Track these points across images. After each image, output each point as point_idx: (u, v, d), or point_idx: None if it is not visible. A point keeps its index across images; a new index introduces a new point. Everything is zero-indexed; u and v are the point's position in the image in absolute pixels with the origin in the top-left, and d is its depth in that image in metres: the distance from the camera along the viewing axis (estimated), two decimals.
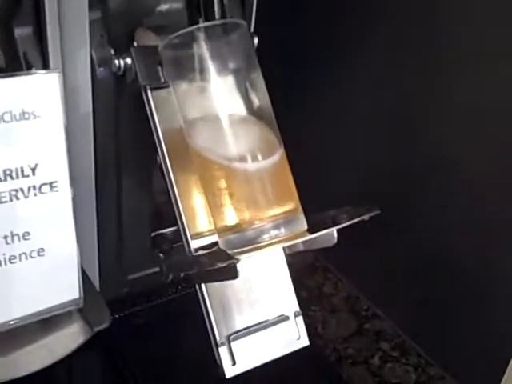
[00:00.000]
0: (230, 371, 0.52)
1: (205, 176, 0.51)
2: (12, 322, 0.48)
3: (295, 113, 0.76)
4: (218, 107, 0.50)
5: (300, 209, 0.51)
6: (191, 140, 0.51)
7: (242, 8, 0.61)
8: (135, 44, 0.54)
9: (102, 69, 0.55)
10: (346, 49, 0.70)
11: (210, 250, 0.51)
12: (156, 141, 0.53)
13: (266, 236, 0.49)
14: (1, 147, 0.45)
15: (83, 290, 0.51)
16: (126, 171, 0.61)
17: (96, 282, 0.65)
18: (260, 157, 0.49)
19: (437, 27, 0.61)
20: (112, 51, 0.54)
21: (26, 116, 0.46)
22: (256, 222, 0.49)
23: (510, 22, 0.56)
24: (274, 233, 0.49)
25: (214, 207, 0.50)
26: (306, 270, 0.77)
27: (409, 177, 0.67)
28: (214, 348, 0.52)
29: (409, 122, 0.66)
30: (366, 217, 0.50)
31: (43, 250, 0.49)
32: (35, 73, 0.47)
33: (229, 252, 0.47)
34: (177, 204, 0.53)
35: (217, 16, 0.51)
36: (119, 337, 0.64)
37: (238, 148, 0.49)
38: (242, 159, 0.49)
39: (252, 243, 0.49)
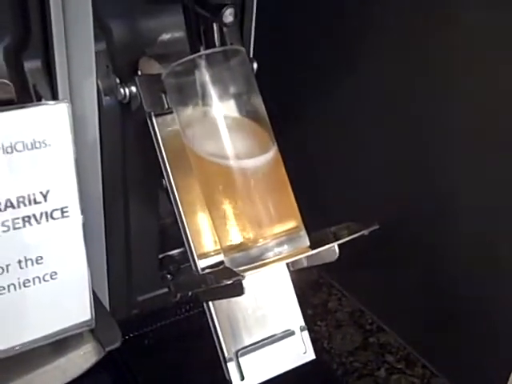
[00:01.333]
0: None
1: (203, 179, 0.53)
2: (26, 345, 0.50)
3: (295, 131, 0.78)
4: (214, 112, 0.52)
5: (302, 226, 0.53)
6: (188, 141, 0.53)
7: (241, 35, 0.63)
8: (139, 73, 0.57)
9: (108, 97, 0.57)
10: (343, 72, 0.72)
11: (216, 269, 0.53)
12: (161, 165, 0.55)
13: (270, 253, 0.51)
14: (13, 175, 0.47)
15: (94, 310, 0.53)
16: (133, 195, 0.63)
17: (106, 304, 0.66)
18: (255, 154, 0.51)
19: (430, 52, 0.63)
20: (117, 80, 0.56)
21: (37, 145, 0.48)
22: (260, 241, 0.51)
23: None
24: (277, 250, 0.51)
25: (219, 226, 0.52)
26: (310, 287, 0.78)
27: (409, 192, 0.69)
28: (223, 364, 0.54)
29: (409, 140, 0.68)
30: (365, 232, 0.52)
31: (56, 273, 0.51)
32: (45, 104, 0.49)
33: (234, 269, 0.49)
34: (183, 225, 0.55)
35: (217, 43, 0.54)
36: (130, 357, 0.65)
37: (234, 146, 0.51)
38: (238, 156, 0.51)
39: (257, 260, 0.50)
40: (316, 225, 0.54)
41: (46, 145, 0.48)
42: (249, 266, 0.50)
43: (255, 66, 0.61)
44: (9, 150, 0.47)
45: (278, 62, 0.73)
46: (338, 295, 0.78)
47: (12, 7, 0.50)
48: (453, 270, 0.66)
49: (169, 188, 0.55)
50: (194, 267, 0.55)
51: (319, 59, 0.74)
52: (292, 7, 0.74)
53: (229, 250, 0.52)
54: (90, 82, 0.55)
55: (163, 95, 0.54)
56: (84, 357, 0.53)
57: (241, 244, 0.51)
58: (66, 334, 0.52)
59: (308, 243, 0.52)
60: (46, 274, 0.51)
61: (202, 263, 0.55)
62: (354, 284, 0.77)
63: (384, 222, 0.70)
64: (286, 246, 0.51)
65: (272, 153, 0.52)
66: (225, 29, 0.60)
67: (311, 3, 0.72)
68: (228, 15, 0.51)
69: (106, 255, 0.64)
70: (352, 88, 0.72)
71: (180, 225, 0.56)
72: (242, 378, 0.54)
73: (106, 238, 0.63)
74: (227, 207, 0.52)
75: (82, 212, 0.51)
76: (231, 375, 0.54)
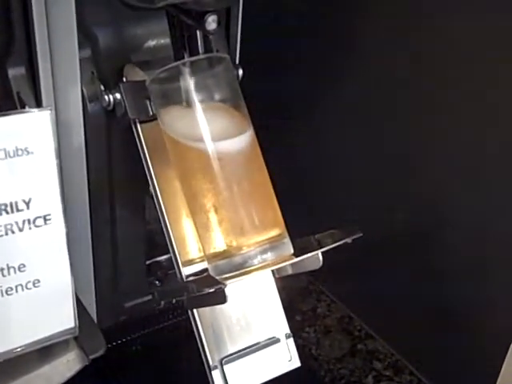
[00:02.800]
0: None
1: (180, 165, 0.53)
2: (9, 353, 0.50)
3: (281, 138, 0.78)
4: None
5: (286, 233, 0.52)
6: (165, 126, 0.53)
7: (227, 41, 0.63)
8: (124, 79, 0.57)
9: (93, 104, 0.57)
10: (331, 78, 0.72)
11: (199, 276, 0.53)
12: (146, 171, 0.55)
13: (253, 261, 0.51)
14: None
15: (78, 318, 0.53)
16: (119, 201, 0.63)
17: (93, 311, 0.66)
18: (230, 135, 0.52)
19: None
20: (102, 87, 0.56)
21: (20, 153, 0.48)
22: (244, 248, 0.51)
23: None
24: (261, 257, 0.51)
25: (202, 233, 0.52)
26: (299, 294, 0.78)
27: (397, 199, 0.69)
28: (208, 372, 0.54)
29: (396, 145, 0.68)
30: (349, 239, 0.51)
31: (39, 281, 0.51)
32: (27, 111, 0.48)
33: (218, 278, 0.49)
34: (168, 232, 0.55)
35: (201, 50, 0.53)
36: (117, 364, 0.65)
37: (209, 129, 0.51)
38: (213, 138, 0.51)
39: (240, 268, 0.50)
40: (302, 231, 0.54)
41: (28, 152, 0.48)
42: (232, 274, 0.50)
43: (240, 72, 0.61)
44: None
45: (265, 69, 0.73)
46: (327, 301, 0.78)
47: None
48: (441, 277, 0.66)
49: (153, 194, 0.55)
50: (178, 275, 0.55)
51: (306, 66, 0.74)
52: (279, 13, 0.74)
53: (212, 257, 0.52)
54: (74, 89, 0.55)
55: (148, 102, 0.54)
56: (67, 365, 0.52)
57: (224, 251, 0.51)
58: (50, 342, 0.52)
59: (292, 250, 0.52)
60: (29, 281, 0.50)
61: (186, 270, 0.55)
62: (343, 290, 0.77)
63: (373, 230, 0.70)
64: (269, 254, 0.51)
65: (248, 134, 0.53)
66: (210, 35, 0.60)
67: (298, 9, 0.72)
68: (211, 22, 0.51)
69: (93, 262, 0.64)
70: (339, 95, 0.72)
71: (165, 232, 0.56)
72: None
73: (92, 244, 0.63)
74: (210, 209, 0.52)
75: (66, 219, 0.51)
76: (216, 383, 0.53)
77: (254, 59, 0.64)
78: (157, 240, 0.67)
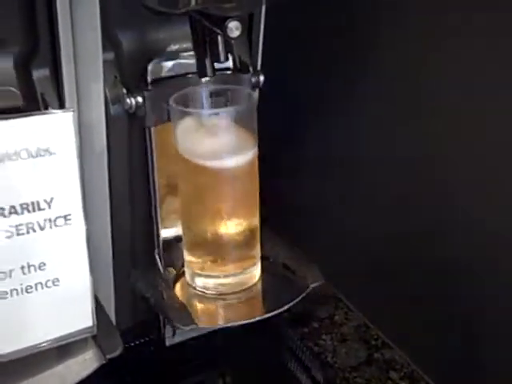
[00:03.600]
0: None
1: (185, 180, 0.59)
2: (27, 350, 0.51)
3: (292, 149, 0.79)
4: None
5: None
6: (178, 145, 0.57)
7: (249, 46, 0.64)
8: (148, 79, 0.57)
9: (115, 106, 0.58)
10: (349, 98, 0.72)
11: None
12: (150, 174, 0.58)
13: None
14: (18, 182, 0.48)
15: (97, 318, 0.54)
16: (139, 201, 0.64)
17: (112, 311, 0.67)
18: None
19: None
20: (124, 90, 0.57)
21: (42, 153, 0.49)
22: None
23: None
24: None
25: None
26: (317, 301, 0.78)
27: (417, 207, 0.69)
28: None
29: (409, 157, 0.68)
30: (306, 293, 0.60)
31: (58, 279, 0.51)
32: (50, 112, 0.49)
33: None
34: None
35: (221, 56, 0.54)
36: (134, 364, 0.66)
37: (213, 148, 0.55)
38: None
39: None
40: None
41: (50, 153, 0.49)
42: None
43: (261, 78, 0.62)
44: (13, 157, 0.48)
45: (286, 76, 0.73)
46: (345, 309, 0.78)
47: (21, 18, 0.51)
48: (460, 287, 0.66)
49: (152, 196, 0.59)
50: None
51: (324, 84, 0.74)
52: (303, 20, 0.74)
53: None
54: (97, 92, 0.56)
55: (166, 111, 0.56)
56: (84, 364, 0.53)
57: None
58: (67, 341, 0.53)
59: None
60: (49, 280, 0.51)
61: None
62: (361, 298, 0.77)
63: (392, 239, 0.70)
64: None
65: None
66: (232, 41, 0.61)
67: (323, 18, 0.73)
68: (233, 29, 0.51)
69: (113, 262, 0.65)
70: (354, 113, 0.72)
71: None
72: None
73: (112, 244, 0.64)
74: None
75: (86, 220, 0.52)
76: None
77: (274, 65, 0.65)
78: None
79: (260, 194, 0.60)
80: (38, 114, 0.49)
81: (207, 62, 0.55)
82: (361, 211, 0.74)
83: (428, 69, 0.63)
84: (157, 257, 0.62)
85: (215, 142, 0.56)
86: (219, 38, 0.54)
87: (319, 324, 0.75)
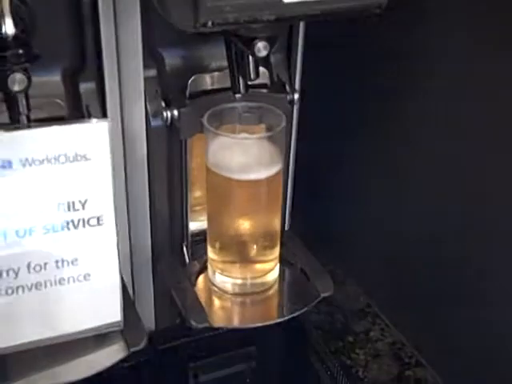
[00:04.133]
0: None
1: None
2: (58, 338, 0.56)
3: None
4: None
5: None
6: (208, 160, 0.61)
7: (288, 65, 0.66)
8: (187, 93, 0.61)
9: (156, 119, 0.62)
10: (382, 125, 0.74)
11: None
12: (183, 178, 0.63)
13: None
14: (56, 184, 0.53)
15: (125, 312, 0.58)
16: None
17: (151, 313, 0.71)
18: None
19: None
20: (163, 104, 0.61)
21: (79, 158, 0.53)
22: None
23: None
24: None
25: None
26: (355, 315, 0.79)
27: (458, 231, 0.69)
28: None
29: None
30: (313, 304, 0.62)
31: (89, 275, 0.56)
32: (87, 121, 0.54)
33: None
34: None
35: (252, 75, 0.57)
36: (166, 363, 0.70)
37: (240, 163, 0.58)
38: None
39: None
40: None
41: (86, 159, 0.54)
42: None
43: (296, 96, 0.64)
44: (52, 161, 0.53)
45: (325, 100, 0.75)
46: (382, 325, 0.78)
47: (70, 34, 0.56)
48: (497, 312, 0.65)
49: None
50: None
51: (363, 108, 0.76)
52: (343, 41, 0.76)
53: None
54: (139, 105, 0.61)
55: (200, 125, 0.59)
56: (110, 354, 0.57)
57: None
58: (96, 332, 0.57)
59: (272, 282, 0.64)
60: (80, 274, 0.56)
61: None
62: (399, 316, 0.78)
63: (435, 262, 0.70)
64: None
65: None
66: (272, 58, 0.65)
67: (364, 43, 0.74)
68: (261, 48, 0.54)
69: (152, 267, 0.69)
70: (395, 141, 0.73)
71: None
72: None
73: (152, 247, 0.68)
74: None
75: (117, 222, 0.56)
76: None
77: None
78: None
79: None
80: (77, 123, 0.54)
81: (239, 79, 0.58)
82: (404, 233, 0.74)
83: None
84: (184, 249, 0.66)
85: (243, 158, 0.59)
86: (250, 57, 0.57)
87: (354, 338, 0.76)
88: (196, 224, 0.67)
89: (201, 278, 0.65)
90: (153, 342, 0.70)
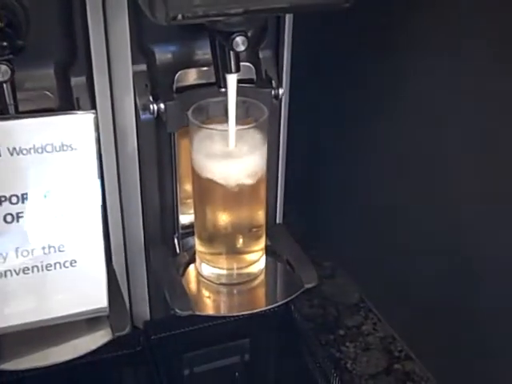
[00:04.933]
0: None
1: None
2: (45, 321, 0.58)
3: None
4: None
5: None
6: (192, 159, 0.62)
7: (276, 62, 0.68)
8: (174, 87, 0.63)
9: (144, 113, 0.64)
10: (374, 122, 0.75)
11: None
12: (173, 170, 0.64)
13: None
14: (42, 173, 0.55)
15: (112, 299, 0.60)
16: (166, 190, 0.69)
17: (146, 305, 0.73)
18: None
19: None
20: (151, 98, 0.63)
21: (65, 148, 0.56)
22: None
23: None
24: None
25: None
26: (348, 309, 0.80)
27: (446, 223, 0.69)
28: None
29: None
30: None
31: (75, 261, 0.58)
32: (73, 113, 0.56)
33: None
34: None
35: (233, 69, 0.58)
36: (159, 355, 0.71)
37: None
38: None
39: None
40: None
41: (72, 148, 0.56)
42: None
43: (281, 91, 0.65)
44: (39, 150, 0.55)
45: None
46: (374, 320, 0.79)
47: (61, 29, 0.59)
48: (487, 306, 0.65)
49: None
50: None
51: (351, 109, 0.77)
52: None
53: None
54: (128, 100, 0.63)
55: (186, 118, 0.61)
56: (94, 338, 0.59)
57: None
58: (83, 317, 0.60)
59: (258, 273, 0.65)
60: (66, 261, 0.58)
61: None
62: (391, 310, 0.78)
63: (431, 256, 0.71)
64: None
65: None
66: (260, 55, 0.66)
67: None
68: (239, 43, 0.55)
69: (145, 259, 0.71)
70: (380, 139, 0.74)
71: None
72: None
73: (144, 237, 0.70)
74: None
75: (102, 209, 0.58)
76: None
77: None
78: None
79: None
80: (63, 114, 0.56)
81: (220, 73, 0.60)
82: (400, 229, 0.75)
83: None
84: (175, 241, 0.67)
85: (226, 159, 0.61)
86: (230, 51, 0.58)
87: (345, 332, 0.77)
88: (187, 216, 0.69)
89: (189, 269, 0.67)
90: (147, 332, 0.73)
